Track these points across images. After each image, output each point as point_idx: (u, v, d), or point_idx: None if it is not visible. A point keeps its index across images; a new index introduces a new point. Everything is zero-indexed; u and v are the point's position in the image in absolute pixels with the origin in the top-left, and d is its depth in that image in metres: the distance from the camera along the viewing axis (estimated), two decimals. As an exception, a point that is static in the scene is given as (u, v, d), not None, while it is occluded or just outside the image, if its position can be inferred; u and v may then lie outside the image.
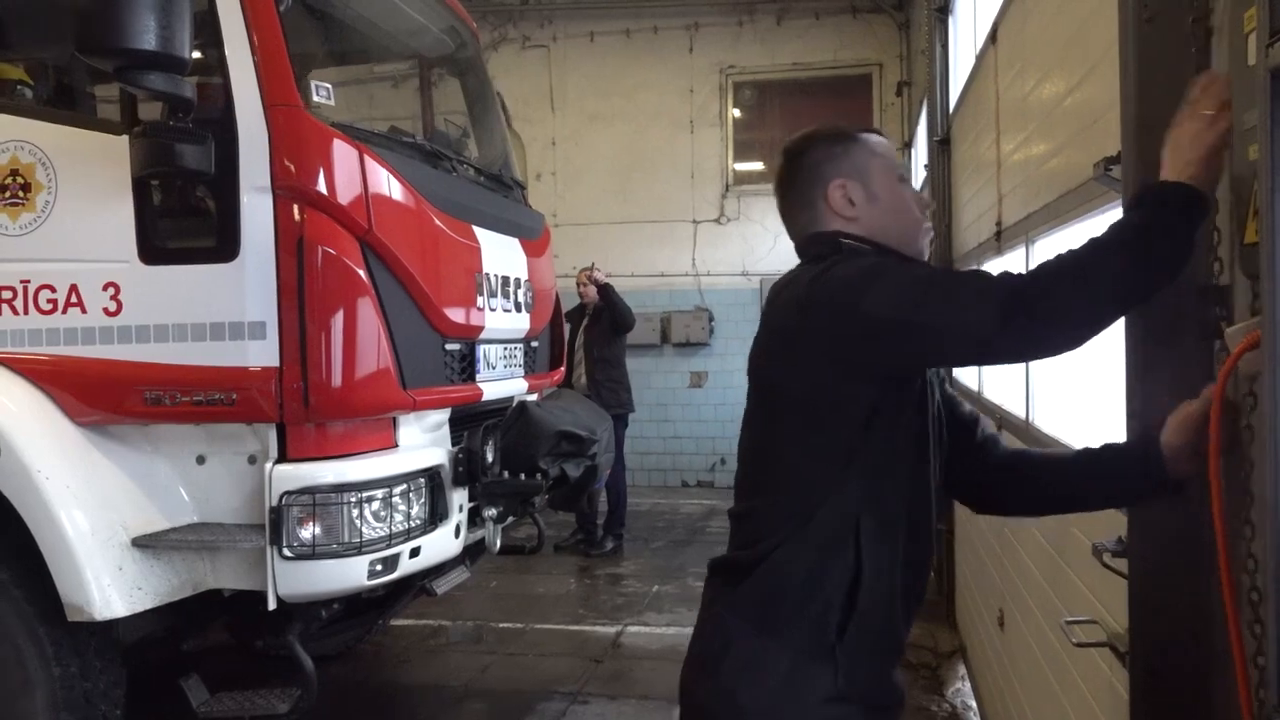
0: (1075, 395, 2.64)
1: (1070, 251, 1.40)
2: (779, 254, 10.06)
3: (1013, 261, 3.54)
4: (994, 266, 4.05)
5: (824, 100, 10.37)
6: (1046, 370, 3.03)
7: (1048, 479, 1.76)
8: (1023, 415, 3.29)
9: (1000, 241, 3.80)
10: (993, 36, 3.98)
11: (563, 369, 4.83)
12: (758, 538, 1.60)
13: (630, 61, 10.17)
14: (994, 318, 1.38)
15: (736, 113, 10.50)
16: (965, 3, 5.39)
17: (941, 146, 5.80)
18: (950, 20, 5.92)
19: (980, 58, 4.44)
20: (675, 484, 10.26)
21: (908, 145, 9.62)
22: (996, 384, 4.08)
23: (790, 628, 1.54)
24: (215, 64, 2.93)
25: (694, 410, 10.24)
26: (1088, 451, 1.70)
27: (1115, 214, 1.88)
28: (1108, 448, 1.67)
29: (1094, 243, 1.39)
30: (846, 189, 1.67)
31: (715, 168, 10.35)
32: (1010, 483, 1.77)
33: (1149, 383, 1.66)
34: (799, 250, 1.74)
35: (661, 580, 6.68)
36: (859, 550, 1.53)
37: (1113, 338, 1.70)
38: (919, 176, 8.37)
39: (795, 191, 1.73)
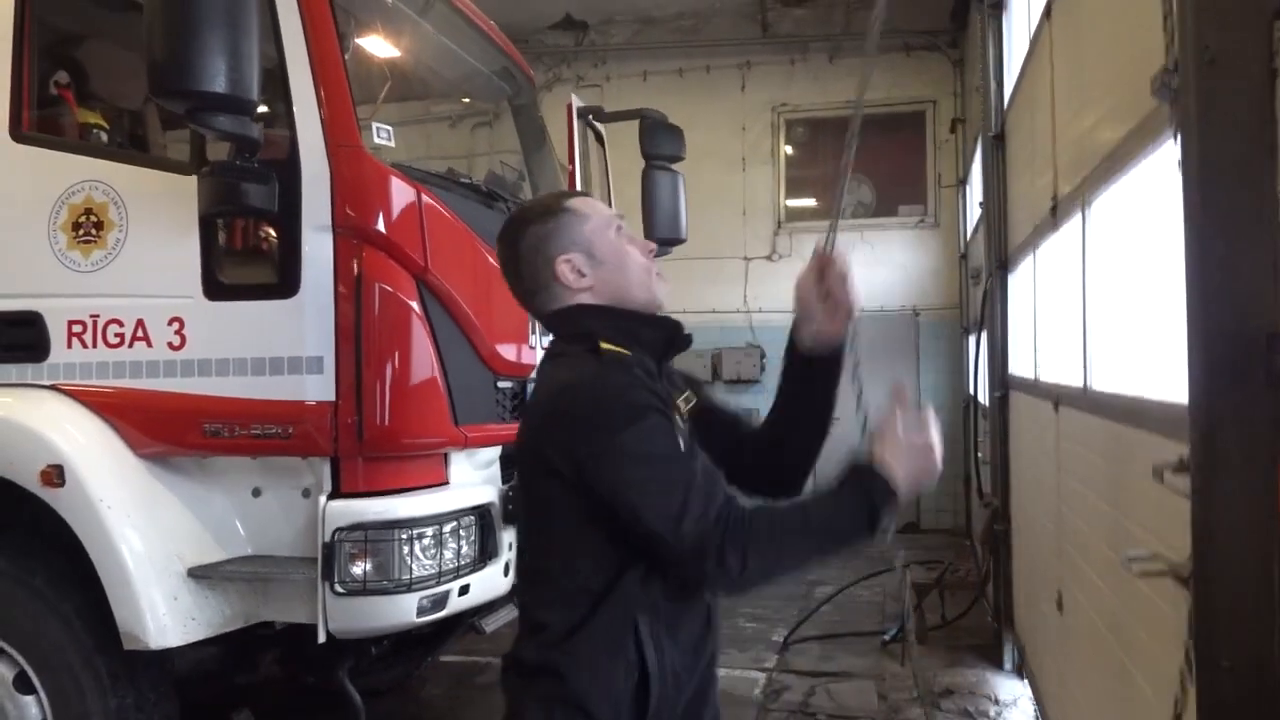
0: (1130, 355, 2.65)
1: (780, 516, 1.53)
2: (831, 291, 10.00)
3: (1069, 235, 3.48)
4: (1050, 245, 3.99)
5: (877, 137, 10.35)
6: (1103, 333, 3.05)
7: (789, 428, 1.82)
8: (1079, 384, 3.25)
9: (1056, 216, 3.76)
10: (1047, 12, 3.99)
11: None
12: (539, 636, 1.57)
13: (683, 100, 10.22)
14: (693, 549, 1.45)
15: (789, 150, 10.53)
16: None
17: (996, 142, 5.76)
18: (1005, 16, 5.90)
19: (1035, 40, 4.43)
20: (725, 522, 10.16)
21: (962, 183, 9.55)
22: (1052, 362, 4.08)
23: None
24: (281, 106, 3.01)
25: (744, 448, 10.14)
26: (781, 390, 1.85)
27: (1167, 153, 1.85)
28: (783, 380, 1.84)
29: (800, 522, 1.52)
30: (573, 262, 1.67)
31: (767, 205, 10.37)
32: (775, 453, 1.81)
33: (1214, 429, 1.61)
34: (546, 325, 1.74)
35: (710, 620, 6.59)
36: (641, 652, 1.51)
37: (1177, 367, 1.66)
38: (973, 216, 8.28)
39: (525, 279, 1.71)
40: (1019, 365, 5.24)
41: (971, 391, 8.09)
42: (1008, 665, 5.39)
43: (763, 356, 10.14)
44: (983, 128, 6.17)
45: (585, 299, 1.68)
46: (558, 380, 1.61)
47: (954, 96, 9.85)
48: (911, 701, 4.98)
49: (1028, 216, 4.74)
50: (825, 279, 1.75)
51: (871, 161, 10.44)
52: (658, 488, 1.48)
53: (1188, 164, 1.69)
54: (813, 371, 1.78)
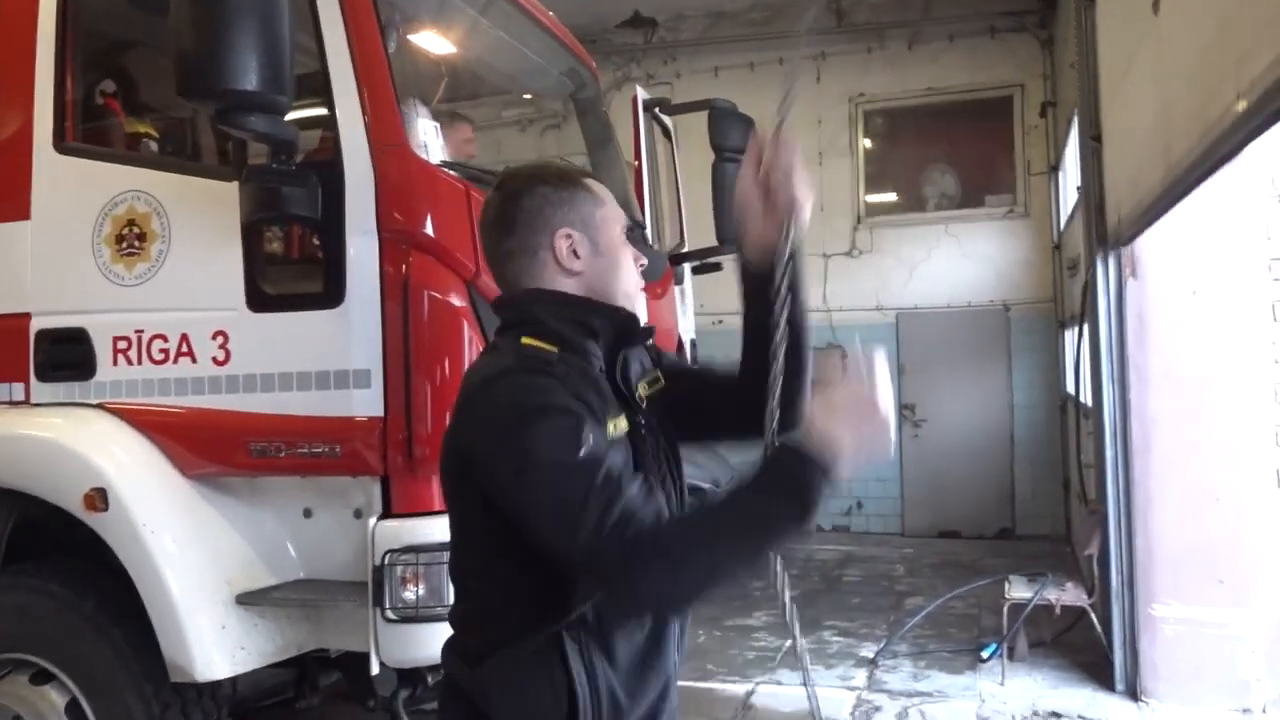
0: None
1: (691, 523, 1.39)
2: (914, 288, 9.60)
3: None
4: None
5: (961, 125, 9.91)
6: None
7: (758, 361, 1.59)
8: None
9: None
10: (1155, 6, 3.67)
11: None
12: (469, 647, 1.49)
13: (755, 95, 9.84)
14: (591, 564, 1.31)
15: (867, 143, 10.13)
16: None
17: (1094, 143, 5.40)
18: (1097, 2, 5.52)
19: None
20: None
21: (1054, 169, 9.05)
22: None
23: None
24: (321, 104, 2.85)
25: (827, 452, 9.80)
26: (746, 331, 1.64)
27: None
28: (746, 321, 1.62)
29: (712, 527, 1.33)
30: (573, 240, 1.54)
31: (846, 200, 9.99)
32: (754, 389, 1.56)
33: None
34: (494, 306, 1.60)
35: (794, 635, 6.30)
36: (568, 671, 1.40)
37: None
38: (1066, 204, 7.80)
39: (515, 237, 1.54)
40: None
41: (1070, 389, 7.63)
42: (1119, 686, 4.98)
43: (844, 356, 9.75)
44: (1080, 128, 5.77)
45: (564, 282, 1.54)
46: (476, 375, 1.49)
47: (1043, 79, 9.34)
48: (1015, 727, 4.63)
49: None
50: (765, 170, 1.55)
51: (955, 151, 10.00)
52: (554, 496, 1.33)
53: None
54: (761, 287, 1.55)
